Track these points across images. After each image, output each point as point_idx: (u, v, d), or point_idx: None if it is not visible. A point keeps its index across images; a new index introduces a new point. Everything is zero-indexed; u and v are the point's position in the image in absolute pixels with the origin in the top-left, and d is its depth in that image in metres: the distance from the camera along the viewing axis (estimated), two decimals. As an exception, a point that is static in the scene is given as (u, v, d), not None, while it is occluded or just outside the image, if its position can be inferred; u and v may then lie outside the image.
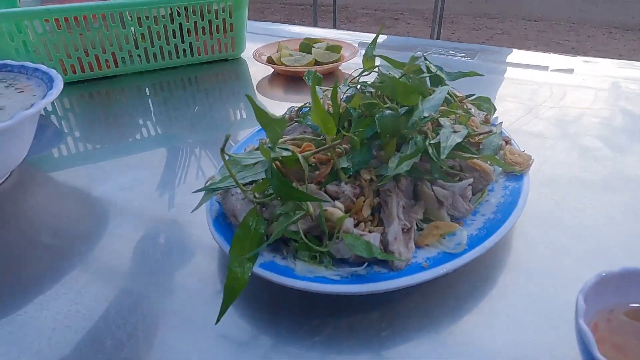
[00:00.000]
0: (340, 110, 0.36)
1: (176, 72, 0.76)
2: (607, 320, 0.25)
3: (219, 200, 0.34)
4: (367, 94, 0.38)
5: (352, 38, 0.92)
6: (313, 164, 0.33)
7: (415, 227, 0.31)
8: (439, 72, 0.42)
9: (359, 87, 0.40)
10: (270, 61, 0.71)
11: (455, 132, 0.34)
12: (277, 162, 0.31)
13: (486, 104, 0.44)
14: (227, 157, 0.30)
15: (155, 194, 0.44)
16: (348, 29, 4.34)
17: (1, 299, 0.32)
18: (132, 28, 0.69)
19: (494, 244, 0.30)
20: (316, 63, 0.70)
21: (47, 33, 0.63)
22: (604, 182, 0.43)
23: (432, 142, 0.33)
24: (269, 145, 0.30)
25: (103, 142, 0.55)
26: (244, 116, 0.62)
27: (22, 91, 0.45)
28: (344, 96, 0.42)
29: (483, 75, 0.46)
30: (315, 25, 3.36)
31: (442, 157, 0.31)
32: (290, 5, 5.34)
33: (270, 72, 0.74)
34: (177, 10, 0.70)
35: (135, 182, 0.46)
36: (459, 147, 0.33)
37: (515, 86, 0.68)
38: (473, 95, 0.46)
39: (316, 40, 0.75)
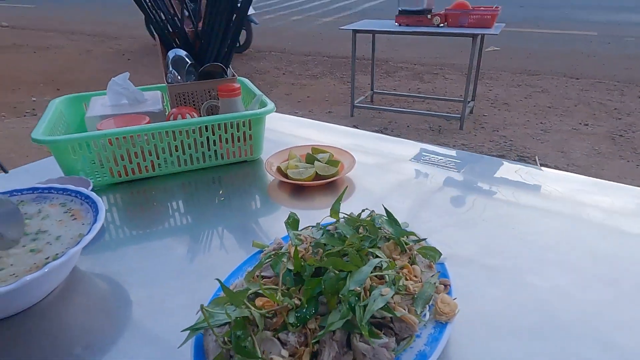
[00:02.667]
0: (302, 264, 0.47)
1: (203, 173, 0.91)
2: None
3: (202, 333, 0.46)
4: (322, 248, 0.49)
5: (364, 140, 1.04)
6: (271, 315, 0.44)
7: (342, 374, 0.41)
8: (387, 228, 0.53)
9: (318, 239, 0.51)
10: (279, 171, 0.84)
11: (382, 295, 0.43)
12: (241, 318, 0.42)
13: (431, 252, 0.54)
14: (206, 311, 0.42)
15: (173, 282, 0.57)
16: (386, 84, 4.52)
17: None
18: (168, 142, 0.84)
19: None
20: (317, 175, 0.82)
21: (102, 148, 0.80)
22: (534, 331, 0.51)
23: (362, 303, 0.43)
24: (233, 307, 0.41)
25: (143, 228, 0.70)
26: (259, 206, 0.79)
27: (75, 218, 0.59)
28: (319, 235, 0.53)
29: (425, 239, 0.56)
30: (353, 79, 3.54)
31: (363, 322, 0.41)
32: (333, 58, 5.63)
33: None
34: (206, 127, 0.85)
35: (152, 276, 0.59)
36: (386, 308, 0.43)
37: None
38: (425, 239, 0.56)
39: (321, 151, 0.88)
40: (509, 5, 8.49)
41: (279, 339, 0.42)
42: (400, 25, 3.32)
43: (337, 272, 0.45)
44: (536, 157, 2.89)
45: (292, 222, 0.55)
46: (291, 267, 0.48)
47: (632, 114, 3.61)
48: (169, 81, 0.93)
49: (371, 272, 0.45)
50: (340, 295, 0.43)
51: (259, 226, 0.73)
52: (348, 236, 0.51)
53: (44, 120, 0.83)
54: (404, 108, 3.76)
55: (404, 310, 0.45)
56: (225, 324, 0.44)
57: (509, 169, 0.89)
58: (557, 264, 0.61)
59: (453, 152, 0.97)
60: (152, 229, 0.72)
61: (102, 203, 0.61)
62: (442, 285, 0.51)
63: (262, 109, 0.88)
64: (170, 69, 0.92)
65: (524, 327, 0.51)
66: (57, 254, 0.52)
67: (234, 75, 0.97)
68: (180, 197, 0.83)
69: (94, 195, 0.62)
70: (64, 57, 5.89)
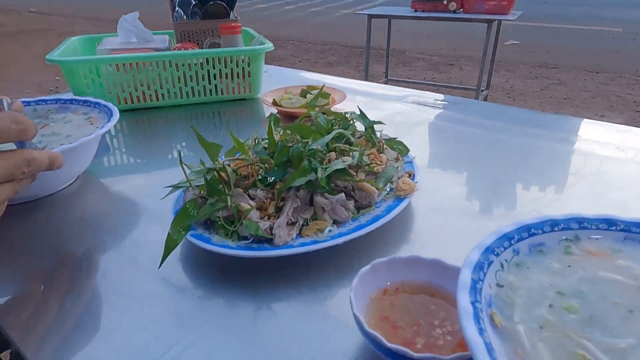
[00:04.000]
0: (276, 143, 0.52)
1: (204, 107, 0.96)
2: (394, 290, 0.38)
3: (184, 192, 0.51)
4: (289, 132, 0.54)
5: (359, 85, 1.08)
6: (244, 176, 0.49)
7: (302, 222, 0.46)
8: (357, 119, 0.57)
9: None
10: (274, 103, 0.89)
11: (343, 162, 0.48)
12: (217, 172, 0.47)
13: (399, 146, 0.58)
14: (185, 166, 0.47)
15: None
16: (401, 72, 4.53)
17: (71, 277, 0.51)
18: (172, 72, 0.90)
19: (350, 239, 0.44)
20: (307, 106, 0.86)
21: (110, 74, 0.86)
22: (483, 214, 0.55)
23: (324, 167, 0.47)
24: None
25: (143, 157, 0.75)
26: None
27: (92, 123, 0.64)
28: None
29: (384, 124, 0.60)
30: (366, 69, 3.58)
31: (323, 176, 0.45)
32: (349, 47, 5.65)
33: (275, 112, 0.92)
34: (207, 60, 0.91)
35: (154, 186, 0.65)
36: (346, 172, 0.48)
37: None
38: (395, 138, 0.61)
39: (314, 88, 0.93)
40: (532, 1, 8.37)
41: (248, 195, 0.47)
42: (416, 11, 3.33)
43: (304, 141, 0.49)
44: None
45: (274, 119, 0.59)
46: (266, 147, 0.53)
47: (652, 108, 3.54)
48: (175, 19, 0.99)
49: (336, 145, 0.50)
50: (304, 155, 0.47)
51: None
52: (323, 124, 0.55)
53: (58, 49, 0.90)
54: (417, 94, 3.76)
55: (363, 178, 0.49)
56: (201, 185, 0.49)
57: (492, 109, 0.92)
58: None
59: (448, 98, 1.00)
60: (155, 158, 0.76)
61: (116, 110, 0.65)
62: (407, 174, 0.55)
63: (260, 46, 0.93)
64: (177, 8, 0.98)
65: (476, 213, 0.55)
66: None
67: (237, 18, 1.02)
68: (181, 128, 0.88)
69: (110, 104, 0.66)
70: (88, 41, 6.06)
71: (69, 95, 0.73)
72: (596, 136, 0.77)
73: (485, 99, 3.63)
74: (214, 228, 0.46)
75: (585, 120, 0.84)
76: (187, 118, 0.92)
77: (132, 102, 0.91)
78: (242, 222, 0.44)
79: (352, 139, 0.54)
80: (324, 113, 0.59)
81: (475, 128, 0.83)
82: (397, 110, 0.92)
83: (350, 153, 0.51)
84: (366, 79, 3.64)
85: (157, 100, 0.93)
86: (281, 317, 0.39)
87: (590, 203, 0.56)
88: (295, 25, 7.22)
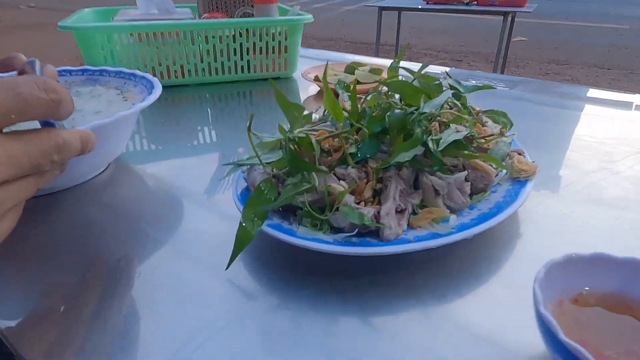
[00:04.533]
0: (359, 110, 0.41)
1: (234, 86, 0.85)
2: (572, 301, 0.27)
3: (245, 177, 0.40)
4: (383, 95, 0.43)
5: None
6: (327, 150, 0.38)
7: (410, 210, 0.35)
8: (454, 84, 0.46)
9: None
10: (316, 79, 0.78)
11: (457, 132, 0.37)
12: (295, 145, 0.36)
13: (502, 118, 0.47)
14: (253, 137, 0.36)
15: (203, 177, 0.51)
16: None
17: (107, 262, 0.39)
18: (200, 45, 0.79)
19: (481, 231, 0.33)
20: (358, 83, 0.75)
21: (131, 45, 0.75)
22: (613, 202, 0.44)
23: (434, 137, 0.36)
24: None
25: (167, 142, 0.63)
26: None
27: (126, 99, 0.52)
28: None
29: (495, 88, 0.49)
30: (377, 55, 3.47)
31: (439, 149, 0.34)
32: (355, 43, 5.55)
33: (317, 91, 0.81)
34: (240, 31, 0.80)
35: (189, 173, 0.54)
36: (461, 146, 0.37)
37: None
38: (492, 109, 0.50)
39: (361, 64, 0.82)
40: (536, -1, 8.29)
41: (335, 174, 0.36)
42: (428, 3, 3.23)
43: (404, 107, 0.38)
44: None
45: (345, 86, 0.48)
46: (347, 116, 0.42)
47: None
48: (202, -13, 0.88)
49: (444, 109, 0.39)
50: (410, 124, 0.36)
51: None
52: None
53: (70, 18, 0.79)
54: (428, 90, 3.67)
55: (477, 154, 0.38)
56: (270, 163, 0.38)
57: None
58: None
59: (497, 75, 0.90)
60: (179, 143, 0.65)
61: (158, 83, 0.52)
62: (516, 152, 0.45)
63: (299, 17, 0.82)
64: (204, -25, 0.87)
65: (605, 200, 0.44)
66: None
67: (270, -14, 0.91)
68: (208, 109, 0.77)
69: (149, 76, 0.54)
70: (87, 35, 5.93)
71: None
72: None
73: (498, 95, 3.53)
74: (294, 217, 0.35)
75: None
76: (215, 99, 0.81)
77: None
78: (337, 209, 0.33)
79: (459, 105, 0.43)
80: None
81: (550, 107, 0.72)
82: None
83: (462, 122, 0.40)
84: (376, 73, 3.53)
85: (183, 77, 0.81)
86: (400, 336, 0.29)
87: None
88: (298, 21, 7.10)
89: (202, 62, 0.81)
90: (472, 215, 0.35)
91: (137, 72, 0.55)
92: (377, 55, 3.44)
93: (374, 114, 0.39)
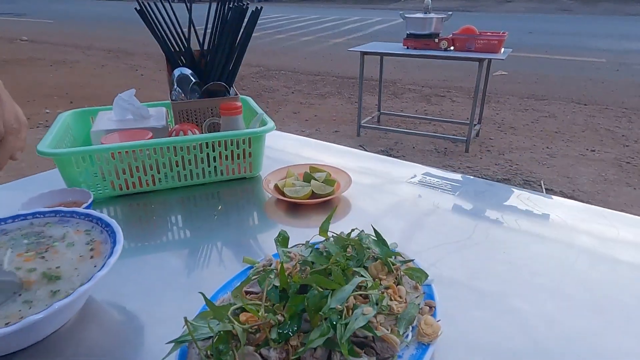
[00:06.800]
0: (289, 280, 0.48)
1: (202, 188, 0.93)
2: None
3: (187, 346, 0.47)
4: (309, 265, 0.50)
5: (363, 160, 1.05)
6: (255, 330, 0.44)
7: (321, 391, 0.41)
8: (374, 248, 0.54)
9: (306, 257, 0.52)
10: (276, 188, 0.86)
11: (364, 314, 0.44)
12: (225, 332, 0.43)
13: (417, 274, 0.54)
14: (190, 324, 0.43)
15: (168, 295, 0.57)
16: (393, 105, 4.56)
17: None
18: (169, 157, 0.86)
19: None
20: (313, 194, 0.83)
21: (104, 161, 0.82)
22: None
23: (343, 321, 0.43)
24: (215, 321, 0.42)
25: (141, 241, 0.71)
26: (256, 222, 0.80)
27: (93, 256, 0.57)
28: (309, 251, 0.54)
29: (412, 260, 0.57)
30: (360, 99, 3.58)
31: (343, 340, 0.41)
32: (341, 78, 5.70)
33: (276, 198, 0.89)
34: (207, 143, 0.87)
35: (148, 288, 0.60)
36: (367, 327, 0.44)
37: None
38: (412, 260, 0.57)
39: (319, 170, 0.89)
40: (517, 32, 8.58)
41: (260, 354, 0.43)
42: (407, 48, 3.37)
43: (320, 289, 0.45)
44: (542, 182, 2.88)
45: (282, 240, 0.56)
46: (277, 284, 0.49)
47: (638, 141, 3.59)
48: (173, 98, 0.95)
49: (355, 291, 0.46)
50: (321, 313, 0.43)
51: (255, 242, 0.74)
52: (334, 251, 0.51)
53: (50, 133, 0.86)
54: (410, 129, 3.78)
55: (385, 330, 0.45)
56: (209, 337, 0.44)
57: (506, 193, 0.89)
58: (545, 289, 0.61)
59: (451, 175, 0.98)
60: (150, 242, 0.73)
61: (121, 234, 0.58)
62: (427, 307, 0.52)
63: (262, 128, 0.90)
64: (175, 86, 0.95)
65: (507, 351, 0.51)
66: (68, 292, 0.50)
67: (236, 94, 0.99)
68: (179, 211, 0.84)
69: (114, 223, 0.61)
70: (79, 71, 6.04)
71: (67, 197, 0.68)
72: None
73: (477, 134, 3.65)
74: (224, 398, 0.41)
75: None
76: (185, 201, 0.88)
77: (128, 188, 0.86)
78: (256, 398, 0.39)
79: (369, 274, 0.51)
80: (334, 237, 0.56)
81: (491, 222, 0.80)
82: (404, 195, 0.89)
83: (370, 297, 0.47)
84: (359, 115, 3.65)
85: (154, 184, 0.88)
86: None
87: None
88: (287, 54, 7.28)
89: (171, 170, 0.88)
90: (375, 390, 0.42)
91: (103, 216, 0.62)
92: (360, 95, 3.56)
93: (296, 295, 0.46)
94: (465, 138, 3.33)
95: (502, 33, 3.14)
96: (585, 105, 4.57)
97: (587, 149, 3.43)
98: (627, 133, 3.78)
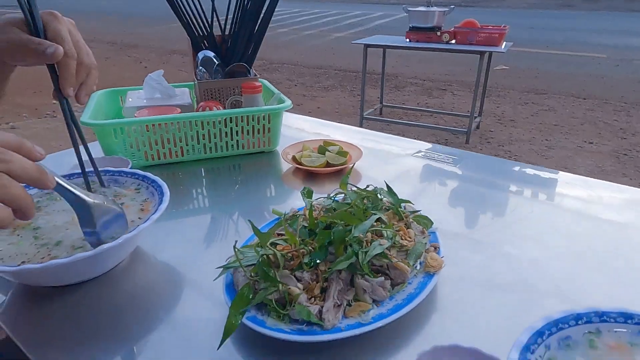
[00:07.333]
0: (315, 221, 0.57)
1: (225, 160, 1.01)
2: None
3: (231, 273, 0.55)
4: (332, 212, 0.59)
5: (371, 137, 1.14)
6: (290, 257, 0.53)
7: (345, 304, 0.50)
8: (385, 199, 0.63)
9: (328, 205, 0.61)
10: (294, 159, 0.94)
11: (380, 244, 0.53)
12: (268, 256, 0.52)
13: (424, 220, 0.63)
14: (238, 251, 0.52)
15: (201, 254, 0.66)
16: (395, 98, 4.64)
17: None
18: (197, 130, 0.95)
19: (391, 321, 0.48)
20: (327, 164, 0.92)
21: (139, 133, 0.91)
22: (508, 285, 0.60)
23: (364, 249, 0.52)
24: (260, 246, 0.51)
25: (169, 208, 0.80)
26: (273, 194, 0.88)
27: (143, 210, 0.66)
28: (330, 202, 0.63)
29: (413, 204, 0.66)
30: (363, 91, 3.66)
31: (365, 261, 0.50)
32: (344, 71, 5.77)
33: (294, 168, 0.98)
34: (230, 118, 0.96)
35: (186, 242, 0.69)
36: (382, 254, 0.53)
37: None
38: (419, 210, 0.66)
39: (332, 144, 0.98)
40: (519, 27, 8.63)
41: (295, 276, 0.52)
42: (410, 41, 3.45)
43: (344, 225, 0.54)
44: (539, 172, 2.96)
45: (307, 192, 0.65)
46: (306, 225, 0.58)
47: (637, 134, 3.67)
48: (199, 78, 1.04)
49: (372, 227, 0.55)
50: (346, 240, 0.52)
51: (276, 205, 0.83)
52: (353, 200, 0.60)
53: (89, 108, 0.95)
54: (412, 121, 3.86)
55: (395, 256, 0.54)
56: (251, 265, 0.53)
57: (502, 165, 0.98)
58: (533, 239, 0.70)
59: (453, 151, 1.07)
60: (181, 208, 0.82)
61: (167, 190, 0.67)
62: (433, 247, 0.61)
63: (280, 105, 0.98)
64: (200, 67, 1.04)
65: (498, 285, 0.60)
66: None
67: (256, 75, 1.08)
68: (204, 180, 0.93)
69: (159, 180, 0.69)
70: (85, 63, 6.10)
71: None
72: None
73: (478, 126, 3.74)
74: (266, 310, 0.50)
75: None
76: (210, 172, 0.97)
77: (159, 158, 0.95)
78: (293, 306, 0.48)
79: (385, 218, 0.59)
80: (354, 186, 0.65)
81: (488, 188, 0.89)
82: (410, 166, 0.97)
83: (385, 233, 0.56)
84: (362, 107, 3.73)
85: (182, 155, 0.97)
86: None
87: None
88: (289, 48, 7.34)
89: (198, 143, 0.97)
90: (389, 306, 0.51)
91: (148, 174, 0.71)
92: (363, 87, 3.64)
93: (324, 230, 0.55)
94: (466, 130, 3.41)
95: (503, 27, 3.21)
96: (584, 99, 4.64)
97: (586, 142, 3.51)
98: (625, 126, 3.86)
